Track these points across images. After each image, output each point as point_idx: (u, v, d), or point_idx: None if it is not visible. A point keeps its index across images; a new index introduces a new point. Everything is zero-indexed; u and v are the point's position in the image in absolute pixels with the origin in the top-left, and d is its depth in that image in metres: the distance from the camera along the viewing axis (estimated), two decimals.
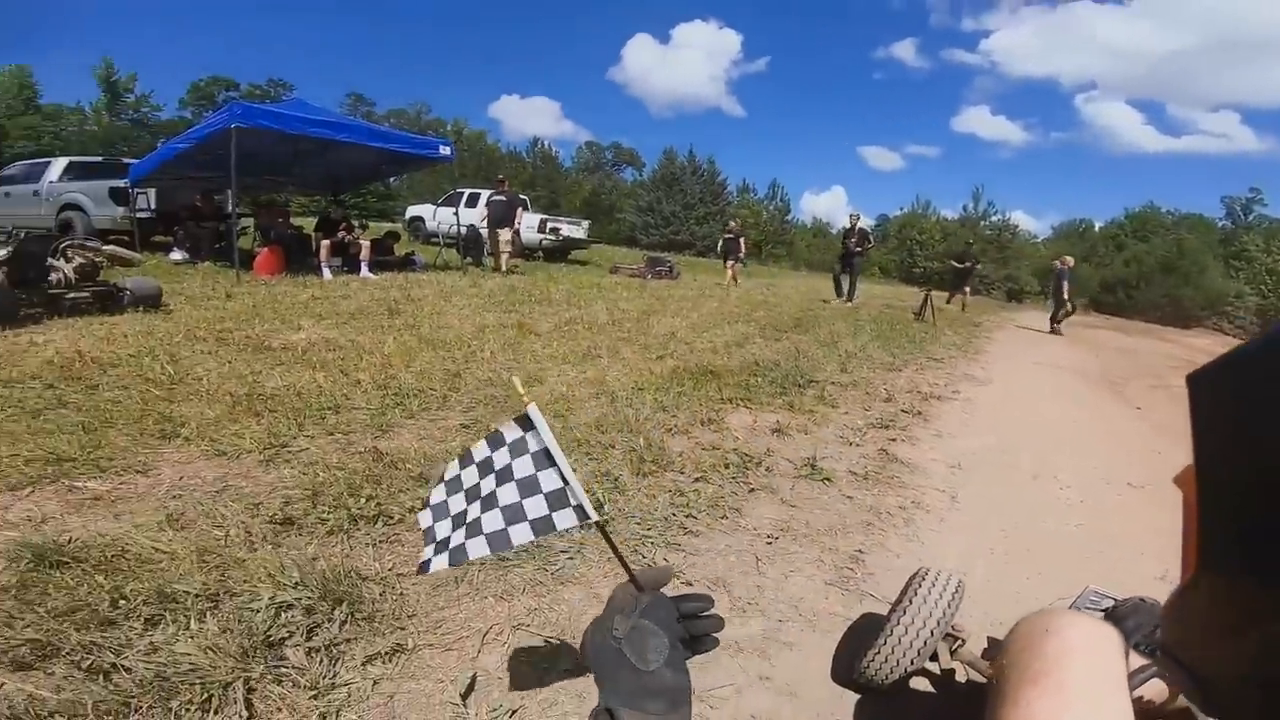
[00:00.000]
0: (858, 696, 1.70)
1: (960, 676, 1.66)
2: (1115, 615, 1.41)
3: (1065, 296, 13.35)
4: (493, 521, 0.67)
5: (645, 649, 0.55)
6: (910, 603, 1.57)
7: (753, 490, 2.92)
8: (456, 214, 13.17)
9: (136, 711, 1.35)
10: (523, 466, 0.67)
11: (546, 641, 1.77)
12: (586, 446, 3.11)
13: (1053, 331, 13.24)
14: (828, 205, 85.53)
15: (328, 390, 3.59)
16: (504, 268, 11.91)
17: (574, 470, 0.67)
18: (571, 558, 2.16)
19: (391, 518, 2.26)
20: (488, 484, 0.69)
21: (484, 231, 12.56)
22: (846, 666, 1.74)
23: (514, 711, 1.52)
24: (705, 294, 11.75)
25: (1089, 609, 1.56)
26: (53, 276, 5.23)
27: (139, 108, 43.15)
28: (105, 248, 5.93)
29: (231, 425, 2.96)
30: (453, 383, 3.99)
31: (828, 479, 3.12)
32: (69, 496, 2.26)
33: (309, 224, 11.57)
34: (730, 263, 15.32)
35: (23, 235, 6.46)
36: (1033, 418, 5.07)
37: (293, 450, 2.79)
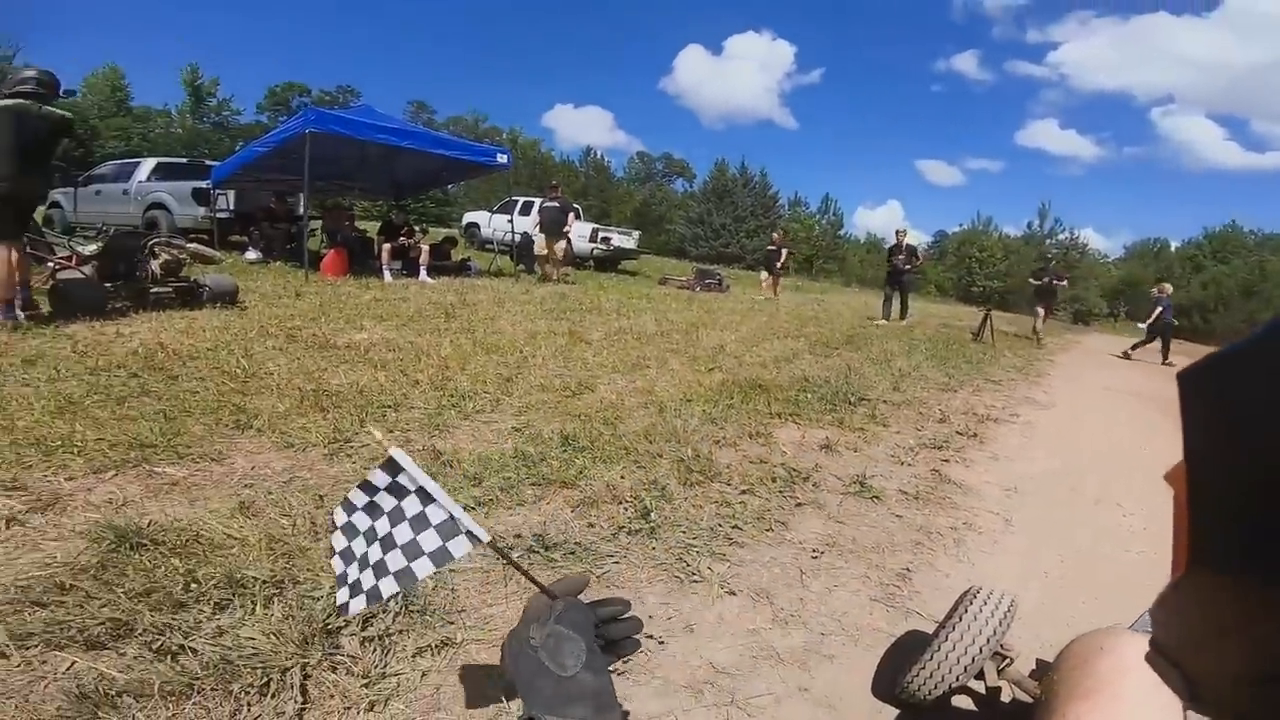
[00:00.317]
0: (897, 712, 1.68)
1: (1005, 696, 1.62)
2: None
3: (1158, 323, 12.74)
4: (395, 561, 0.69)
5: (562, 654, 0.54)
6: (960, 619, 1.55)
7: (799, 505, 2.90)
8: (511, 221, 13.45)
9: (199, 693, 1.41)
10: (410, 505, 0.69)
11: None
12: (635, 455, 3.14)
13: (1124, 355, 12.64)
14: (883, 220, 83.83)
15: (388, 389, 3.72)
16: (555, 275, 11.86)
17: (455, 497, 0.72)
18: (617, 562, 2.19)
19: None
20: (382, 525, 0.71)
21: (537, 239, 12.48)
22: (889, 681, 1.73)
23: None
24: (755, 308, 11.68)
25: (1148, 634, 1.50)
26: (140, 272, 5.58)
27: (220, 111, 45.44)
28: (189, 246, 6.30)
29: (299, 419, 3.11)
30: (505, 387, 4.09)
31: (877, 497, 3.07)
32: (149, 481, 2.40)
33: (372, 227, 12.01)
34: (769, 276, 15.14)
35: (112, 232, 6.93)
36: (1097, 443, 4.86)
37: (355, 445, 2.91)
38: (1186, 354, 16.51)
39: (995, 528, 2.95)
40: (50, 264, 5.50)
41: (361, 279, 8.82)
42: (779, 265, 15.34)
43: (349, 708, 1.46)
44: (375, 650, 1.64)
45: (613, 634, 0.62)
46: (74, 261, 5.53)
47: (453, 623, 1.79)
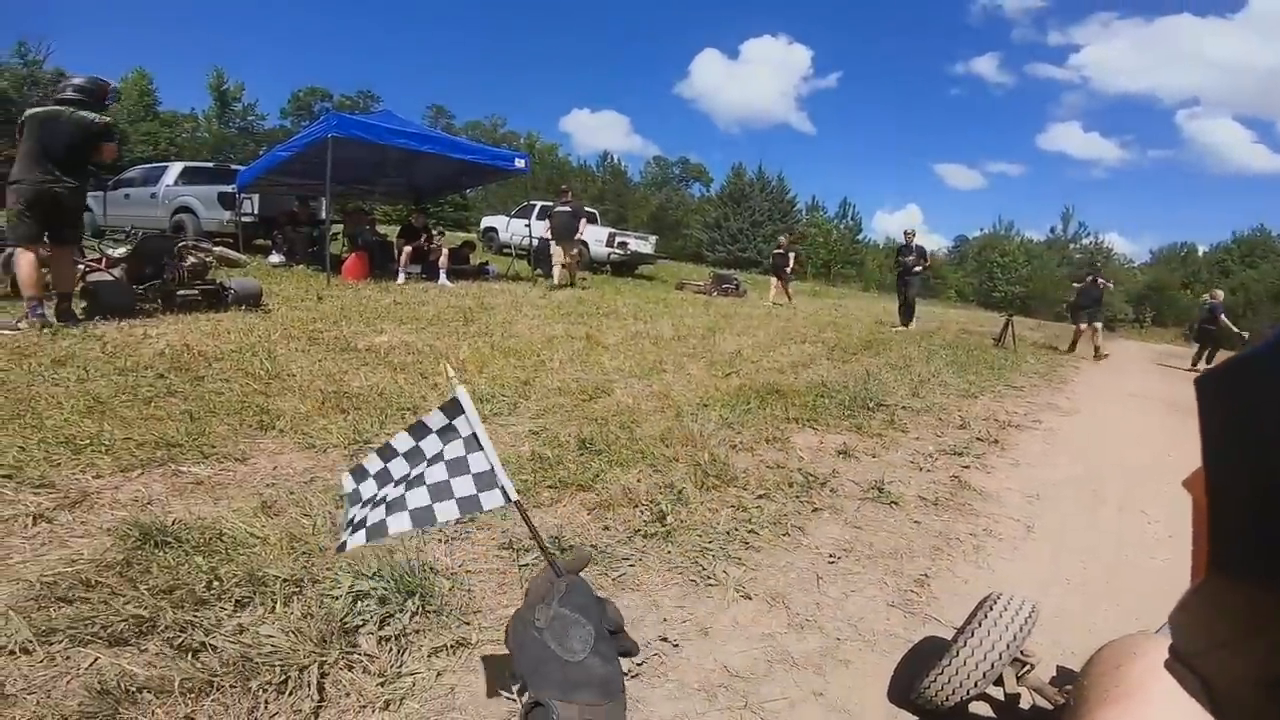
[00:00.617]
0: (913, 718, 1.67)
1: (1025, 703, 1.60)
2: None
3: (1221, 331, 12.16)
4: (418, 499, 0.67)
5: (569, 638, 0.53)
6: (980, 625, 1.54)
7: (816, 510, 2.88)
8: (529, 226, 13.53)
9: (218, 690, 1.43)
10: (454, 449, 0.68)
11: None
12: (651, 458, 3.14)
13: (1192, 369, 12.11)
14: (902, 224, 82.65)
15: (407, 391, 3.76)
16: (568, 281, 11.62)
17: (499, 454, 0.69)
18: (633, 565, 2.19)
19: (463, 516, 2.35)
20: (417, 467, 0.69)
21: (554, 247, 12.18)
22: (905, 687, 1.71)
23: None
24: (772, 313, 11.64)
25: None
26: (168, 274, 5.69)
27: (245, 116, 46.14)
28: (216, 249, 6.42)
29: (320, 420, 3.15)
30: (523, 390, 4.11)
31: (895, 502, 3.04)
32: (174, 480, 2.45)
33: (393, 231, 12.15)
34: (778, 281, 14.87)
35: (140, 235, 7.08)
36: (1122, 450, 4.77)
37: (374, 446, 2.93)
38: (1218, 360, 16.13)
39: (1016, 534, 2.91)
40: (81, 266, 5.63)
41: (381, 282, 8.94)
42: (789, 270, 15.09)
43: (364, 706, 1.47)
44: (392, 650, 1.65)
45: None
46: (103, 264, 5.66)
47: (468, 623, 1.80)
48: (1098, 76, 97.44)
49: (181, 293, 5.70)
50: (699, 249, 39.00)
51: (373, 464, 0.72)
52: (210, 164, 14.92)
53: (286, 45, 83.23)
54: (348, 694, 1.50)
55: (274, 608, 1.71)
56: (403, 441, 0.71)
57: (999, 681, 1.55)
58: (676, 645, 1.83)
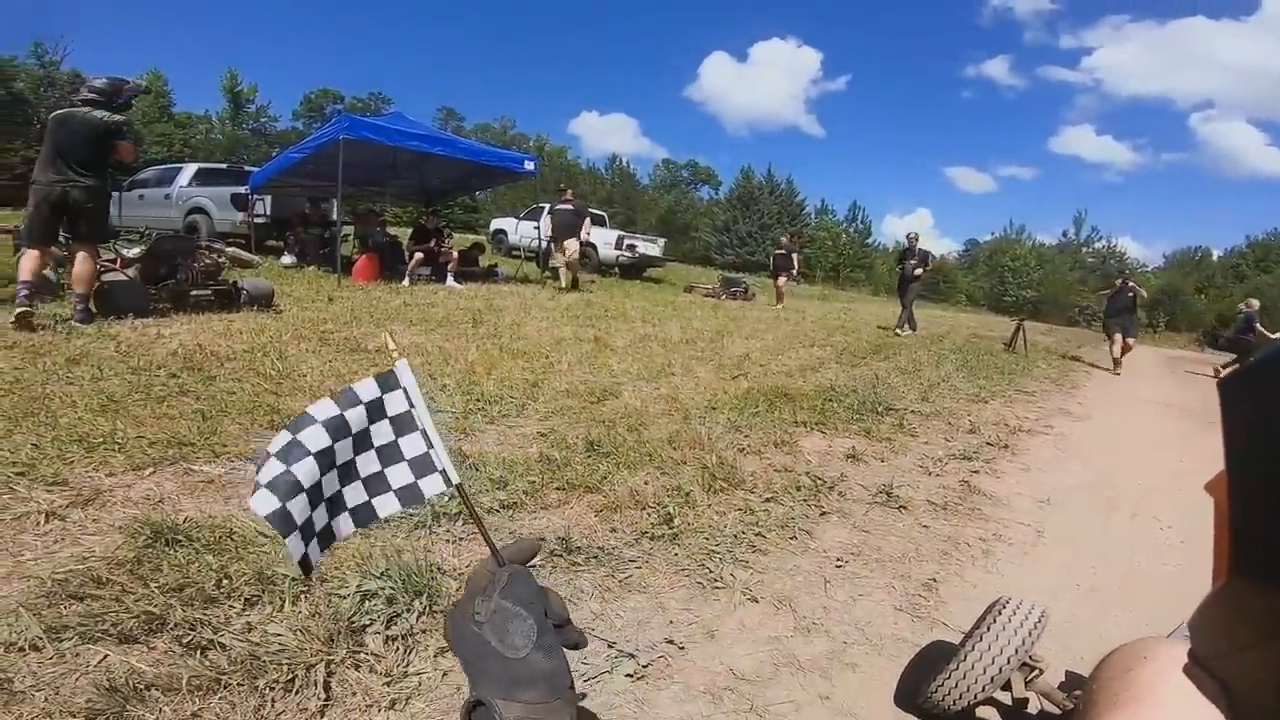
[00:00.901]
0: None
1: (1033, 708, 1.58)
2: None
3: (1258, 340, 11.68)
4: (354, 495, 0.61)
5: (510, 633, 0.49)
6: (988, 629, 1.53)
7: (824, 513, 2.87)
8: (538, 228, 13.54)
9: (225, 688, 1.44)
10: (381, 432, 0.61)
11: (610, 646, 1.80)
12: (658, 461, 3.14)
13: (1216, 375, 11.87)
14: (912, 228, 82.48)
15: None
16: (569, 283, 11.11)
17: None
18: (640, 567, 2.19)
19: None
20: (343, 449, 0.60)
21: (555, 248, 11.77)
22: (912, 691, 1.70)
23: None
24: (781, 316, 11.61)
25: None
26: (181, 275, 5.75)
27: (259, 118, 46.38)
28: (228, 250, 6.49)
29: None
30: (531, 392, 4.12)
31: (903, 507, 3.03)
32: (186, 478, 2.47)
33: (403, 233, 12.21)
34: (782, 280, 14.48)
35: (155, 236, 7.15)
36: (1134, 456, 4.72)
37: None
38: (1233, 365, 15.98)
39: (1026, 539, 2.89)
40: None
41: (391, 284, 8.98)
42: (795, 272, 14.77)
43: (370, 705, 1.48)
44: (398, 649, 1.66)
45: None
46: (118, 264, 5.73)
47: None
48: (1110, 79, 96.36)
49: (195, 293, 5.76)
50: (707, 252, 38.93)
51: (283, 440, 0.58)
52: (224, 165, 15.05)
53: (299, 47, 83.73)
54: (354, 693, 1.50)
55: (282, 606, 1.73)
56: (323, 409, 0.59)
57: (1007, 686, 1.54)
58: (682, 648, 1.83)
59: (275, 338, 4.78)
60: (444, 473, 0.61)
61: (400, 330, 5.65)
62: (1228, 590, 0.37)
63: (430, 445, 0.61)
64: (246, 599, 1.75)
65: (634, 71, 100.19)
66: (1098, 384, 8.58)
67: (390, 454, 0.62)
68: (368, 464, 0.61)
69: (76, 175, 4.67)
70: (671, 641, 1.85)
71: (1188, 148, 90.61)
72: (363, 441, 0.61)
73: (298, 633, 1.61)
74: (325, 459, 0.58)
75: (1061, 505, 3.37)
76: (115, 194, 12.87)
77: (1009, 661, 1.49)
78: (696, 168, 60.22)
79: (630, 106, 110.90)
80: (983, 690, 1.49)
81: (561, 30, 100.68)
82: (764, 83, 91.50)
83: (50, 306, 5.10)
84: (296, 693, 1.47)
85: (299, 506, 0.56)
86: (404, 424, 0.62)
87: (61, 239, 5.15)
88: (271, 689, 1.46)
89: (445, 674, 1.61)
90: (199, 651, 1.53)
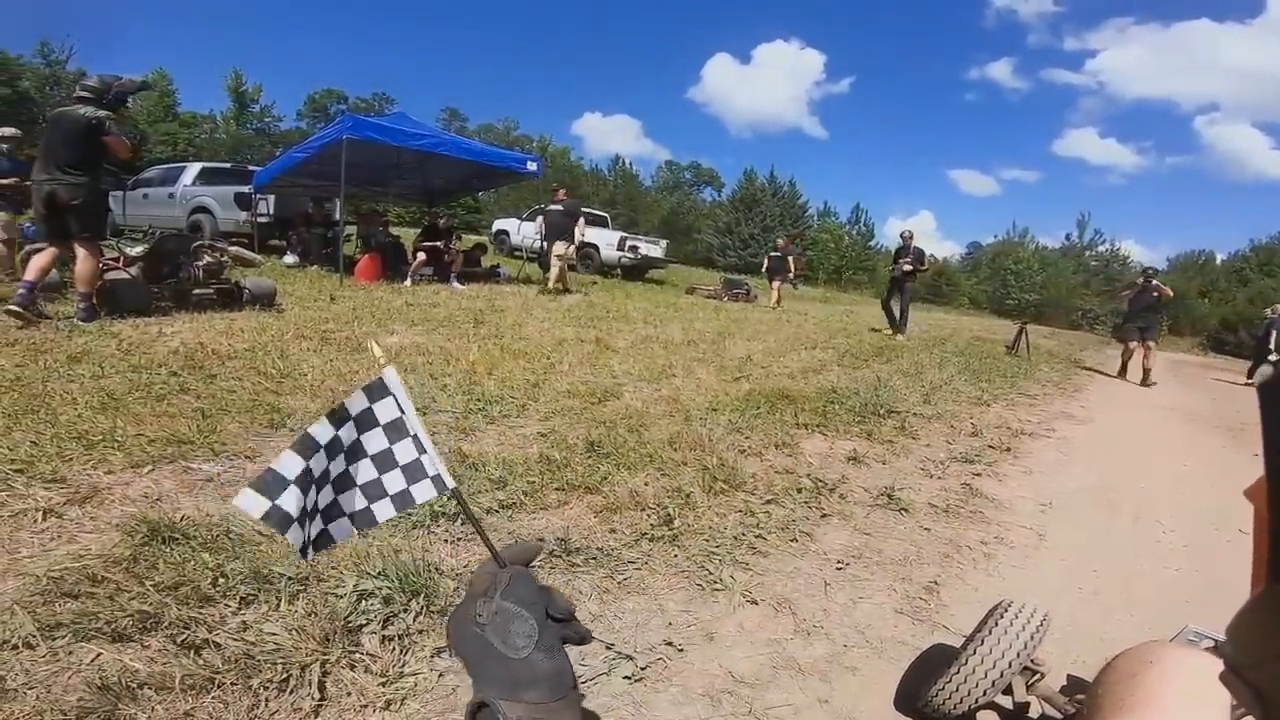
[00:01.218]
0: None
1: (1034, 712, 1.57)
2: (1219, 652, 1.30)
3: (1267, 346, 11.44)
4: (353, 501, 0.63)
5: (511, 634, 0.50)
6: (990, 633, 1.52)
7: (825, 516, 2.85)
8: (539, 229, 13.54)
9: (219, 687, 1.43)
10: (373, 441, 0.62)
11: (608, 647, 1.79)
12: (659, 462, 3.13)
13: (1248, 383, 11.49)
14: (915, 231, 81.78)
15: (417, 392, 3.77)
16: (563, 286, 10.61)
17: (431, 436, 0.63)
18: (639, 568, 2.18)
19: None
20: (337, 466, 0.62)
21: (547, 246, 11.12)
22: (913, 694, 1.69)
23: None
24: (783, 318, 11.59)
25: (1194, 647, 1.46)
26: (184, 273, 5.75)
27: (263, 117, 46.38)
28: (231, 249, 6.48)
29: None
30: (532, 392, 4.11)
31: (905, 509, 3.01)
32: (184, 477, 2.47)
33: (405, 233, 12.22)
34: (777, 283, 14.28)
35: (158, 234, 7.16)
36: (1136, 460, 4.70)
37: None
38: (1235, 369, 15.90)
39: (1028, 543, 2.88)
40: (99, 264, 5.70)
41: (393, 284, 8.99)
42: (792, 274, 14.62)
43: (365, 706, 1.47)
44: (394, 649, 1.65)
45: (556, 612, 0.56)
46: (121, 262, 5.73)
47: None
48: (1114, 82, 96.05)
49: (197, 292, 5.75)
50: (710, 254, 38.90)
51: (289, 466, 0.60)
52: (228, 165, 15.08)
53: (303, 48, 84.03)
54: (349, 693, 1.49)
55: (278, 605, 1.72)
56: (323, 431, 0.60)
57: (1008, 690, 1.53)
58: (681, 650, 1.82)
59: (277, 337, 4.78)
60: (437, 478, 0.62)
61: (402, 330, 5.65)
62: (1267, 597, 0.36)
63: (422, 451, 0.62)
64: (242, 598, 1.74)
65: (637, 73, 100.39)
66: (1100, 388, 8.55)
67: (385, 461, 0.62)
68: (364, 472, 0.62)
69: (62, 173, 4.65)
70: (670, 643, 1.83)
71: (1192, 151, 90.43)
72: (355, 453, 0.62)
73: (293, 632, 1.60)
74: (323, 479, 0.61)
75: (1063, 508, 3.36)
76: (120, 192, 12.98)
77: (1010, 665, 1.48)
78: (699, 169, 60.25)
79: (633, 108, 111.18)
80: (984, 694, 1.48)
81: (565, 31, 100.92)
82: (767, 84, 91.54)
83: (54, 304, 5.11)
84: (291, 692, 1.46)
85: (295, 508, 0.58)
86: (396, 430, 0.62)
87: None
88: (266, 688, 1.45)
89: (441, 675, 1.60)
90: (193, 650, 1.53)
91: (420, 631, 1.73)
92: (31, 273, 4.62)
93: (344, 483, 0.62)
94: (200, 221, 12.12)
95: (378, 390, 0.62)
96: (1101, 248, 37.38)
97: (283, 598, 1.74)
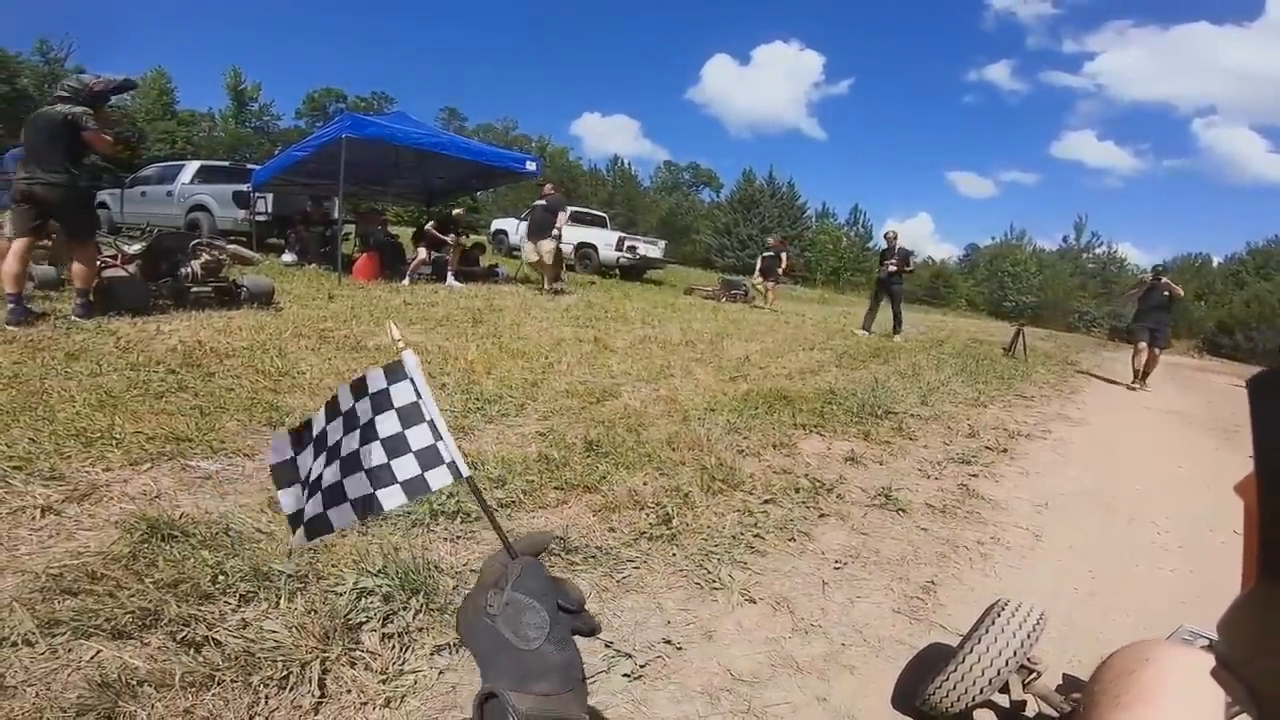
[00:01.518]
0: None
1: (1030, 710, 1.58)
2: (1214, 651, 1.31)
3: None
4: (358, 486, 0.61)
5: (522, 625, 0.50)
6: (986, 631, 1.53)
7: (823, 515, 2.86)
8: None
9: (219, 684, 1.43)
10: (387, 424, 0.61)
11: (607, 646, 1.80)
12: (657, 461, 3.14)
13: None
14: (913, 233, 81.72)
15: None
16: (547, 285, 10.31)
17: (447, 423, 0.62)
18: (637, 567, 2.19)
19: (469, 515, 2.35)
20: (349, 442, 0.61)
21: (524, 244, 10.91)
22: (910, 693, 1.70)
23: None
24: (781, 319, 11.61)
25: (1188, 644, 1.47)
26: (183, 271, 5.74)
27: (261, 116, 46.30)
28: (229, 247, 6.47)
29: None
30: (530, 392, 4.11)
31: (902, 510, 3.02)
32: (183, 474, 2.47)
33: (404, 232, 12.21)
34: (769, 283, 14.12)
35: (156, 232, 7.14)
36: (1132, 461, 4.72)
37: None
38: (1231, 372, 15.94)
39: (1024, 543, 2.89)
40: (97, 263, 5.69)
41: (392, 283, 8.98)
42: (781, 272, 14.48)
43: (365, 703, 1.47)
44: (394, 647, 1.65)
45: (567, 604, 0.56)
46: (119, 260, 5.72)
47: None
48: (1113, 85, 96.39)
49: (195, 290, 5.74)
50: (708, 254, 38.91)
51: (317, 426, 0.61)
52: (226, 163, 15.03)
53: (303, 46, 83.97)
54: (349, 690, 1.50)
55: (278, 603, 1.72)
56: (344, 398, 0.61)
57: (1005, 689, 1.54)
58: (680, 648, 1.82)
59: (275, 335, 4.78)
60: (452, 465, 0.60)
61: (400, 328, 5.64)
62: (1257, 594, 0.37)
63: (438, 437, 0.60)
64: (242, 595, 1.74)
65: (636, 73, 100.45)
66: (1097, 391, 8.58)
67: (396, 446, 0.61)
68: (373, 456, 0.61)
69: (41, 172, 4.60)
70: (669, 642, 1.84)
71: (1190, 153, 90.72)
72: (369, 433, 0.61)
73: (293, 629, 1.60)
74: (333, 451, 0.61)
75: (1060, 509, 3.37)
76: (118, 191, 12.91)
77: (1007, 664, 1.49)
78: (698, 170, 60.29)
79: (632, 108, 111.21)
80: (980, 693, 1.49)
81: (564, 31, 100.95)
82: (766, 85, 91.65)
83: (51, 302, 5.10)
84: (291, 690, 1.46)
85: (297, 496, 0.61)
86: (411, 415, 0.61)
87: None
88: (265, 686, 1.45)
89: (441, 672, 1.61)
90: (193, 648, 1.53)
91: (420, 629, 1.73)
92: (9, 284, 4.49)
93: (352, 464, 0.61)
94: (198, 220, 12.08)
95: (396, 372, 0.61)
96: (1099, 250, 37.47)
97: (282, 595, 1.75)
